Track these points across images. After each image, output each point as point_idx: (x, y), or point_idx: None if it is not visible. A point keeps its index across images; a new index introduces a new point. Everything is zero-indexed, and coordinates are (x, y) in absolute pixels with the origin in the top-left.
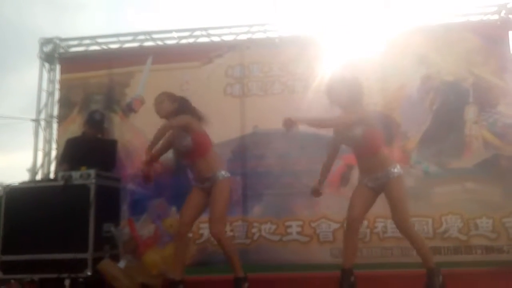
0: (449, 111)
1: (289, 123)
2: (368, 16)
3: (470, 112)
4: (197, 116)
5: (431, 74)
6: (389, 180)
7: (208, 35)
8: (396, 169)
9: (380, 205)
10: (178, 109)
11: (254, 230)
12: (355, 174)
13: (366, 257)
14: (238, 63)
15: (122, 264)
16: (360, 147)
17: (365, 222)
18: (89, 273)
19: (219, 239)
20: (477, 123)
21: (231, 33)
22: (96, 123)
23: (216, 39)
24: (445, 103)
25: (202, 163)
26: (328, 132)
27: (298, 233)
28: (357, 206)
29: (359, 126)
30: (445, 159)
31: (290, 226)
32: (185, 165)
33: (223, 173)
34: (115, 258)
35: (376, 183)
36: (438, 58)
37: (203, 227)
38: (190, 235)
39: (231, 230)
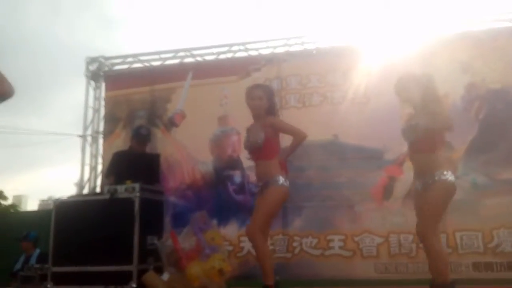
0: (497, 120)
1: None
2: (409, 23)
3: None
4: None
5: (475, 82)
6: (434, 182)
7: (246, 50)
8: (448, 175)
9: None
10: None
11: (295, 244)
12: (398, 187)
13: (412, 273)
14: (275, 76)
15: (165, 276)
16: (418, 141)
17: (411, 236)
18: (134, 285)
19: (252, 240)
20: None
21: (268, 47)
22: (142, 138)
23: (253, 53)
24: (492, 112)
25: (264, 166)
26: (370, 144)
27: (340, 247)
28: (418, 220)
29: (424, 117)
30: (494, 170)
31: (332, 240)
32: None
33: (282, 179)
34: (159, 271)
35: (425, 186)
36: (483, 66)
37: (243, 240)
38: (230, 248)
39: (272, 244)
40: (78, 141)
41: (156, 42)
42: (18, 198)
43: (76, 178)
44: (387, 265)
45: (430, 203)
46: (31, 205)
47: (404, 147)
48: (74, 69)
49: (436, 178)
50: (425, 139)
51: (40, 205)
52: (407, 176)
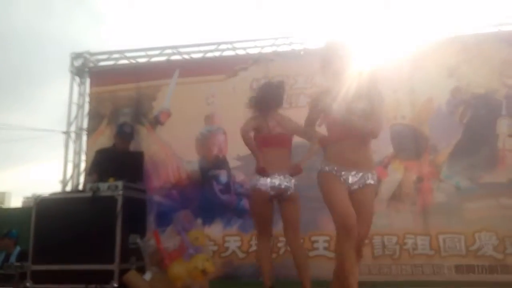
0: (480, 124)
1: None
2: (397, 26)
3: (503, 125)
4: None
5: (461, 86)
6: (370, 185)
7: (233, 48)
8: (375, 176)
9: (410, 220)
10: None
11: (280, 245)
12: (383, 189)
13: (395, 275)
14: (262, 76)
15: (147, 276)
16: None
17: (394, 238)
18: (115, 285)
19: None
20: (511, 136)
21: (256, 46)
22: (126, 135)
23: (241, 52)
24: (476, 116)
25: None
26: None
27: (325, 248)
28: (362, 221)
29: (365, 100)
30: (478, 174)
31: (316, 241)
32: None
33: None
34: (141, 270)
35: (358, 182)
36: (469, 70)
37: (228, 240)
38: (215, 248)
39: (256, 244)
40: (62, 138)
41: (143, 38)
42: (2, 195)
43: (60, 175)
44: (370, 266)
45: (372, 205)
46: (15, 202)
47: (389, 150)
48: (63, 65)
49: (374, 180)
50: (370, 125)
51: (23, 202)
52: (391, 178)
